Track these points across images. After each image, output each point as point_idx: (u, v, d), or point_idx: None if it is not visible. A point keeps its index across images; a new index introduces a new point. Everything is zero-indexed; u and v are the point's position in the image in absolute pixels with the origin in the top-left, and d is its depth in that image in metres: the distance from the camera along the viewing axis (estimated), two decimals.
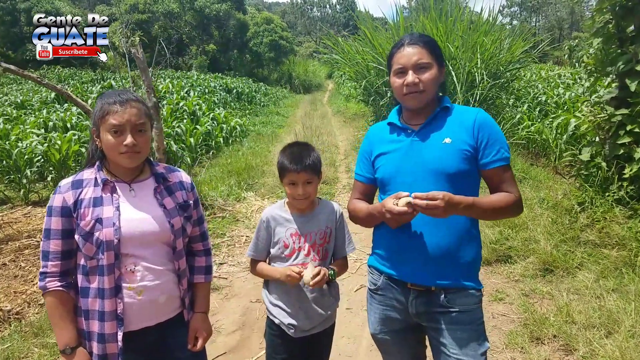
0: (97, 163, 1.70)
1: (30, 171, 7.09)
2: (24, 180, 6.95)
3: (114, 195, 1.65)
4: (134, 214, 1.65)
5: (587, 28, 4.74)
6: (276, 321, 2.02)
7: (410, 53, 1.70)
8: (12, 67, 5.02)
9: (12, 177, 7.22)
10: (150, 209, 1.69)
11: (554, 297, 3.63)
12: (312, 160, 1.95)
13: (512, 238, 4.53)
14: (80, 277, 1.64)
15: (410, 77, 1.68)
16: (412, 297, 1.74)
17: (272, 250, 2.04)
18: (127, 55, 7.27)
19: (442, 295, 1.69)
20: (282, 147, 2.07)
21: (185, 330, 1.81)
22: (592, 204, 4.70)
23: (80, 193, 1.63)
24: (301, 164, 1.92)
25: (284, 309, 2.00)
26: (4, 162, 7.28)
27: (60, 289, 1.61)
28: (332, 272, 1.95)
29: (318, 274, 1.84)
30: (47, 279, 1.61)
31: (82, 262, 1.63)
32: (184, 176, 1.88)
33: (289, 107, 22.23)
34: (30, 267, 4.50)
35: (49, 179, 7.18)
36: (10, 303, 3.78)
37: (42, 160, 7.35)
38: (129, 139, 1.59)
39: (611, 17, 4.72)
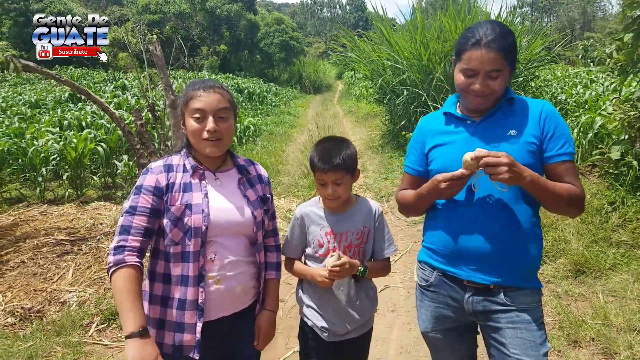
0: (184, 150, 1.72)
1: (46, 169, 7.07)
2: (40, 179, 6.93)
3: (203, 182, 1.66)
4: (221, 203, 1.66)
5: (618, 23, 4.61)
6: (309, 323, 1.93)
7: (485, 59, 1.53)
8: (31, 63, 5.00)
9: (27, 175, 7.21)
10: (235, 200, 1.70)
11: (588, 299, 3.50)
12: (343, 158, 1.80)
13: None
14: (161, 263, 1.61)
15: (479, 85, 1.57)
16: (469, 295, 1.64)
17: (307, 250, 1.95)
18: (143, 53, 7.25)
19: (502, 294, 1.59)
20: (317, 141, 1.96)
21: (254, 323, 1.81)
22: (624, 204, 4.56)
23: (171, 177, 1.62)
24: (329, 163, 1.79)
25: (317, 311, 1.91)
26: (20, 160, 7.26)
27: (138, 264, 1.52)
28: (362, 268, 1.84)
29: (340, 264, 1.74)
30: (127, 252, 1.51)
31: (164, 248, 1.60)
32: (262, 170, 1.90)
33: (299, 107, 22.19)
34: (49, 264, 4.45)
35: (64, 177, 7.15)
36: (30, 301, 3.72)
37: (58, 158, 7.32)
38: (210, 124, 1.59)
39: None
